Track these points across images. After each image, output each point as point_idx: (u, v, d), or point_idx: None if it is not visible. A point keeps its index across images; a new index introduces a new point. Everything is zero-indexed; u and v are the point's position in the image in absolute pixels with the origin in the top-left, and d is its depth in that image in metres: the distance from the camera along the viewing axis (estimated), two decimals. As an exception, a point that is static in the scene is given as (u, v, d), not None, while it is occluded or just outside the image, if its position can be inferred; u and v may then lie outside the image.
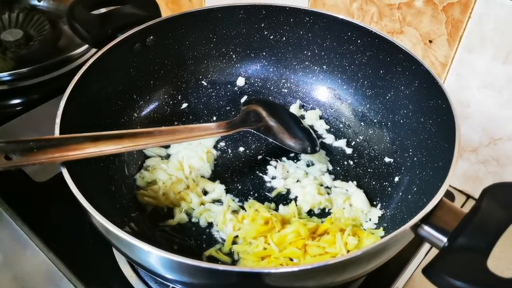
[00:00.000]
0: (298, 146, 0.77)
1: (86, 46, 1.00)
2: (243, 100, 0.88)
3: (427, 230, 0.51)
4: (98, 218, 0.52)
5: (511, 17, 0.71)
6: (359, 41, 0.79)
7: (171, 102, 0.86)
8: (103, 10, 0.83)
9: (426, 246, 0.75)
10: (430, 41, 0.81)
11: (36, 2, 1.16)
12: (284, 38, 0.86)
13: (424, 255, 0.76)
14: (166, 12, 1.16)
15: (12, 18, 1.09)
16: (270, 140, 0.77)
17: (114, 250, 0.71)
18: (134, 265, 0.69)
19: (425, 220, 0.51)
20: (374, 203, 0.72)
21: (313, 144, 0.78)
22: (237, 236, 0.67)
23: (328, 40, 0.83)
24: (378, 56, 0.78)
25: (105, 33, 0.77)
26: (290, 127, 0.79)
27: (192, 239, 0.68)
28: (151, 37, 0.79)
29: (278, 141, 0.77)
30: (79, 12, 0.78)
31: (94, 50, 0.78)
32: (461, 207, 0.88)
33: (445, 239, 0.50)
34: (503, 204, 0.50)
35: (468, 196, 0.91)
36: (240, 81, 0.90)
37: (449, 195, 0.86)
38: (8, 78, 0.94)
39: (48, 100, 0.93)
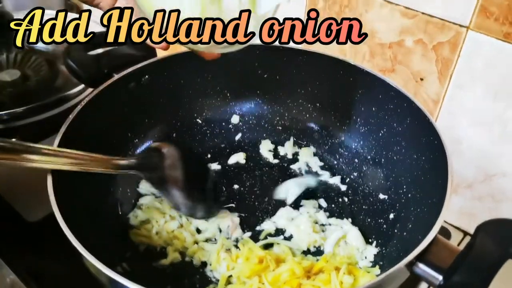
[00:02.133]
0: (185, 209, 0.71)
1: (82, 85, 1.01)
2: (237, 137, 0.89)
3: (422, 268, 0.51)
4: (90, 258, 0.51)
5: (499, 55, 0.72)
6: (351, 79, 0.80)
7: (165, 140, 0.86)
8: (100, 50, 0.84)
9: (424, 284, 0.74)
10: (422, 79, 0.83)
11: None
12: (278, 77, 0.87)
13: (423, 293, 0.75)
14: (162, 52, 1.18)
15: (10, 59, 1.11)
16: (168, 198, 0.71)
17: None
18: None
19: (420, 257, 0.51)
20: (370, 240, 0.71)
21: (208, 210, 0.73)
22: (231, 276, 0.66)
23: (321, 78, 0.84)
24: (370, 93, 0.79)
25: (101, 73, 0.78)
26: (188, 186, 0.70)
27: (186, 279, 0.67)
28: (146, 77, 0.80)
29: (168, 198, 0.70)
30: (76, 53, 0.80)
31: (90, 89, 0.79)
32: (458, 244, 0.88)
33: (440, 277, 0.50)
34: (498, 241, 0.50)
35: (465, 233, 0.90)
36: (235, 119, 0.90)
37: (445, 232, 0.86)
38: (4, 117, 0.94)
39: (43, 139, 0.93)
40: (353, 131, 0.84)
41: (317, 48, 0.92)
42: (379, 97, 0.77)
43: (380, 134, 0.79)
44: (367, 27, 0.84)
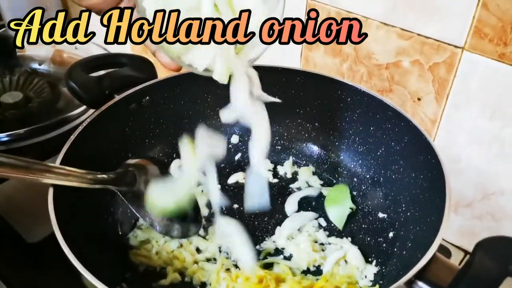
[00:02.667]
0: (160, 228, 0.69)
1: (84, 107, 1.02)
2: (237, 157, 0.90)
3: (421, 286, 0.51)
4: (90, 278, 0.51)
5: (494, 75, 0.73)
6: (349, 99, 0.81)
7: (166, 160, 0.87)
8: (101, 72, 0.86)
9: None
10: (419, 99, 0.84)
11: (36, 66, 1.19)
12: (276, 97, 0.88)
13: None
14: (163, 73, 1.19)
15: (13, 81, 1.12)
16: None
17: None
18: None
19: (419, 276, 0.51)
20: (369, 259, 0.71)
21: (184, 230, 0.72)
22: (231, 296, 0.66)
23: (319, 98, 0.85)
24: (368, 113, 0.80)
25: (103, 94, 0.79)
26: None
27: (185, 299, 0.67)
28: (147, 98, 0.81)
29: (142, 216, 0.68)
30: (78, 75, 0.81)
31: (91, 110, 0.80)
32: (459, 263, 0.87)
33: (440, 295, 0.50)
34: (497, 258, 0.50)
35: (466, 252, 0.90)
36: (235, 139, 0.91)
37: (445, 251, 0.86)
38: (5, 139, 0.95)
39: (44, 160, 0.94)
40: (352, 150, 0.84)
41: (315, 68, 0.93)
42: (377, 116, 0.78)
43: (378, 153, 0.80)
44: (364, 48, 0.86)
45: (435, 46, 0.77)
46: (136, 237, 0.74)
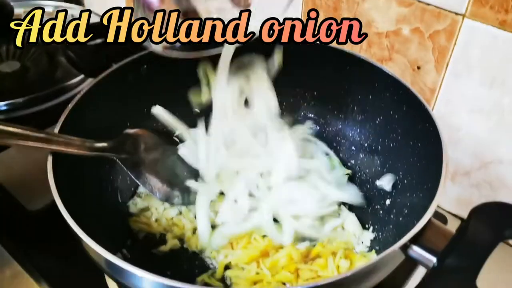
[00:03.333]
0: (160, 195, 0.71)
1: (81, 76, 1.02)
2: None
3: (416, 250, 0.52)
4: (91, 244, 0.52)
5: (495, 43, 0.73)
6: (348, 68, 0.81)
7: (164, 129, 0.86)
8: (98, 40, 0.85)
9: (422, 271, 0.75)
10: (418, 68, 0.83)
11: (34, 35, 1.18)
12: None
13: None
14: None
15: (10, 50, 1.11)
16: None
17: (106, 278, 0.71)
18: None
19: (414, 240, 0.52)
20: (366, 226, 0.72)
21: (185, 197, 0.73)
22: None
23: (318, 67, 0.84)
24: (367, 82, 0.79)
25: (100, 63, 0.78)
26: (164, 171, 0.72)
27: (185, 264, 0.68)
28: (145, 66, 0.81)
29: (142, 183, 0.70)
30: (75, 44, 0.80)
31: (89, 80, 0.80)
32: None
33: (434, 259, 0.50)
34: (491, 224, 0.51)
35: (463, 220, 0.91)
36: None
37: (442, 218, 0.87)
38: (4, 108, 0.95)
39: (44, 128, 0.94)
40: (350, 119, 0.84)
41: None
42: (376, 85, 0.78)
43: (377, 122, 0.80)
44: (364, 16, 0.84)
45: (436, 13, 0.76)
46: (135, 204, 0.75)
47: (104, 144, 0.68)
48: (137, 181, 0.69)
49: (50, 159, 0.61)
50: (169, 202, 0.72)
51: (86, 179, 0.70)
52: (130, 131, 0.75)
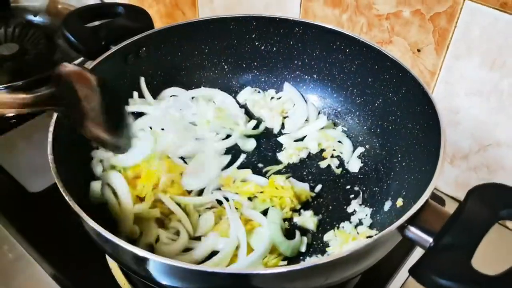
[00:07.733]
0: (110, 147, 0.68)
1: (81, 58, 1.01)
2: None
3: (413, 231, 0.52)
4: (92, 224, 0.52)
5: (495, 25, 0.72)
6: (348, 50, 0.81)
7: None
8: (97, 22, 0.84)
9: (419, 252, 0.76)
10: (419, 50, 0.83)
11: (32, 17, 1.18)
12: (275, 49, 0.87)
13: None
14: (159, 24, 1.18)
15: (8, 33, 1.11)
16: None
17: (107, 258, 0.72)
18: (127, 273, 0.70)
19: (411, 221, 0.52)
20: (365, 208, 0.73)
21: (127, 144, 0.70)
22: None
23: (318, 50, 0.84)
24: (366, 64, 0.79)
25: (99, 45, 0.78)
26: (108, 120, 0.66)
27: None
28: (144, 49, 0.81)
29: (88, 135, 0.65)
30: (73, 25, 0.80)
31: (88, 62, 0.80)
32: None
33: (430, 240, 0.51)
34: (487, 204, 0.51)
35: (461, 203, 0.91)
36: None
37: (440, 200, 0.87)
38: (3, 91, 0.95)
39: (42, 112, 0.94)
40: (349, 101, 0.84)
41: (315, 19, 0.92)
42: (375, 67, 0.78)
43: (376, 105, 0.80)
44: (364, -2, 0.84)
45: (437, -5, 0.76)
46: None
47: (38, 96, 0.60)
48: (84, 134, 0.64)
49: (50, 140, 0.61)
50: (115, 152, 0.69)
51: (86, 158, 0.70)
52: (63, 70, 0.64)
